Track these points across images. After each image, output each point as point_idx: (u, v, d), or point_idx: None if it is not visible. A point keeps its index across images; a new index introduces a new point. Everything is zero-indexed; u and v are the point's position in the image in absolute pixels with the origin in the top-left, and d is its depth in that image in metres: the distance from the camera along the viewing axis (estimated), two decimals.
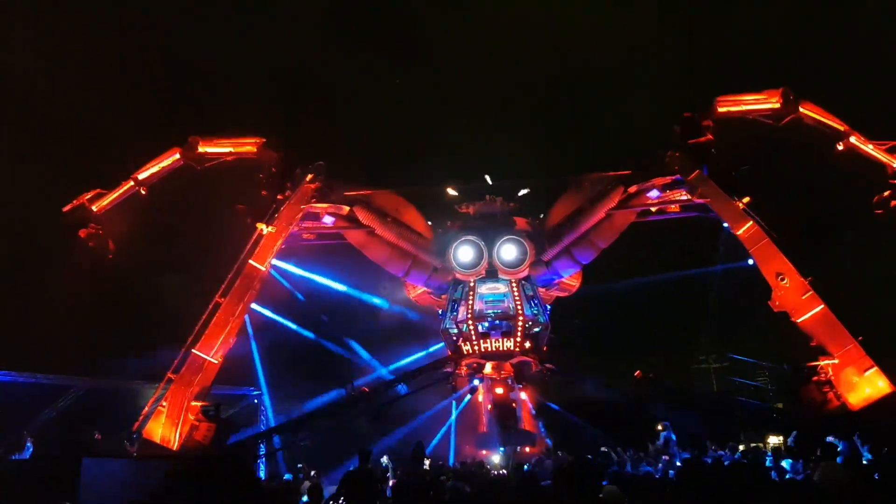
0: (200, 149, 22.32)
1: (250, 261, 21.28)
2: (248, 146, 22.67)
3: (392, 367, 26.64)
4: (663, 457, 19.22)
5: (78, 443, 18.55)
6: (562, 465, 17.27)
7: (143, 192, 22.27)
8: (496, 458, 22.64)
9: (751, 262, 21.23)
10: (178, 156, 22.41)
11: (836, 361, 19.56)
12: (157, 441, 19.18)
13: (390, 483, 16.36)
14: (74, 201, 21.49)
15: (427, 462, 19.16)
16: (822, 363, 19.75)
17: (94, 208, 21.61)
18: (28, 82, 22.78)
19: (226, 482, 2.59)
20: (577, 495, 5.61)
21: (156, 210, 22.83)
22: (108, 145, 23.61)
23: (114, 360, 22.83)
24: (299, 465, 20.21)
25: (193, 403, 19.79)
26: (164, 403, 19.61)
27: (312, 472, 18.94)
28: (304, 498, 14.06)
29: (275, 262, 22.35)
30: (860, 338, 19.64)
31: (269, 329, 24.60)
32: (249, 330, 23.10)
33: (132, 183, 22.15)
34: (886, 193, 20.84)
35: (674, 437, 20.36)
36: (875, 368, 19.18)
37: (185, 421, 19.56)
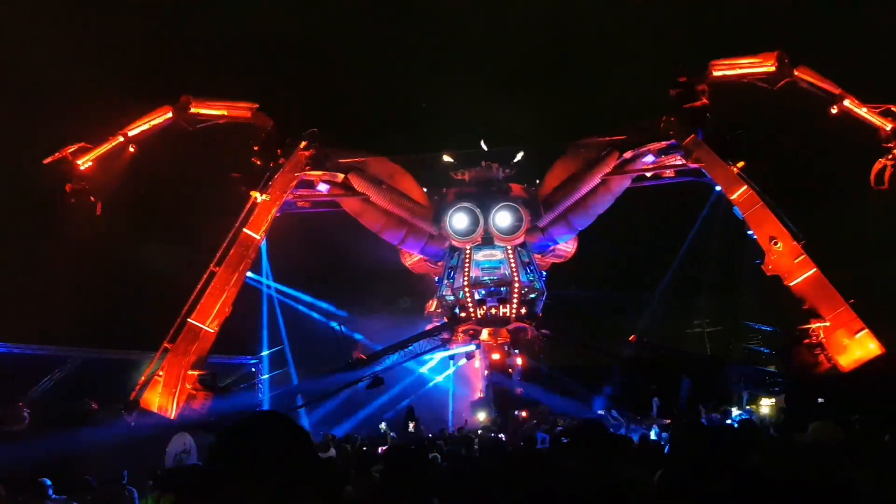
0: (193, 109, 21.65)
1: (245, 229, 21.10)
2: (241, 110, 22.15)
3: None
4: (661, 421, 19.54)
5: (75, 413, 18.49)
6: (571, 425, 17.52)
7: (132, 150, 21.40)
8: (482, 415, 22.95)
9: (750, 233, 21.36)
10: (169, 114, 21.67)
11: (827, 324, 19.79)
12: (155, 410, 19.19)
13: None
14: (56, 154, 20.46)
15: (411, 425, 19.42)
16: (813, 326, 19.99)
17: (78, 163, 20.62)
18: (9, 36, 21.91)
19: (280, 442, 2.44)
20: (587, 458, 5.57)
21: (148, 173, 22.36)
22: (94, 105, 22.85)
23: (109, 330, 22.67)
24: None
25: (190, 373, 19.78)
26: (161, 373, 19.58)
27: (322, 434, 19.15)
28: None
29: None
30: (851, 300, 19.88)
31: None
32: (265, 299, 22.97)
33: (121, 138, 21.25)
34: (879, 166, 20.88)
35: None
36: (865, 331, 19.45)
37: (182, 390, 19.57)
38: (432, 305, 26.67)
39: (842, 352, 19.64)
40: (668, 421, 19.49)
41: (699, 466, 5.49)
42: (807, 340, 20.16)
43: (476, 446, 15.87)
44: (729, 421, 18.92)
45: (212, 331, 20.33)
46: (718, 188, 21.68)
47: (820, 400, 18.15)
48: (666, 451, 10.67)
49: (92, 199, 20.63)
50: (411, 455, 8.35)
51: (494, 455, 11.36)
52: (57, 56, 21.75)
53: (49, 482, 10.93)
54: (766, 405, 22.74)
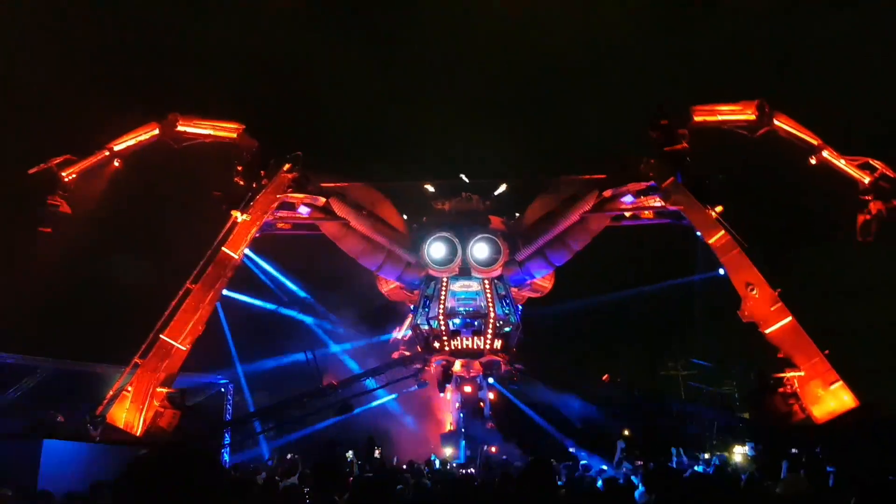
0: (179, 127, 21.95)
1: (223, 248, 21.17)
2: (227, 130, 22.41)
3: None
4: (625, 465, 19.25)
5: (40, 424, 18.34)
6: (522, 465, 17.37)
7: (116, 164, 21.63)
8: (449, 450, 22.73)
9: (722, 271, 21.39)
10: (156, 131, 21.96)
11: (801, 374, 19.68)
12: (121, 426, 19.02)
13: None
14: (41, 165, 20.65)
15: (377, 452, 19.28)
16: (788, 375, 19.87)
17: (62, 174, 20.78)
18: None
19: (190, 472, 2.66)
20: (535, 495, 5.62)
21: (129, 187, 22.49)
22: (80, 118, 23.13)
23: (80, 343, 22.60)
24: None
25: (159, 390, 19.68)
26: (130, 388, 19.46)
27: (289, 456, 18.98)
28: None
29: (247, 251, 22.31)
30: (826, 351, 19.78)
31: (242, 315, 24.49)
32: (222, 316, 22.92)
33: (106, 153, 21.46)
34: (863, 219, 20.94)
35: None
36: (840, 382, 19.32)
37: (149, 407, 19.44)
38: (400, 333, 26.62)
39: (816, 402, 19.49)
40: (640, 462, 19.24)
41: None
42: (781, 389, 20.00)
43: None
44: (701, 467, 18.68)
45: (184, 348, 20.29)
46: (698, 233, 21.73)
47: (794, 451, 17.93)
48: (636, 494, 10.55)
49: (69, 211, 20.75)
50: (378, 486, 8.31)
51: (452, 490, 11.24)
52: (45, 67, 22.12)
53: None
54: (738, 453, 22.45)
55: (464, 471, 19.50)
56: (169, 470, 2.72)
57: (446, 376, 22.91)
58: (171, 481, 2.66)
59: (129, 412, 19.31)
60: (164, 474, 2.70)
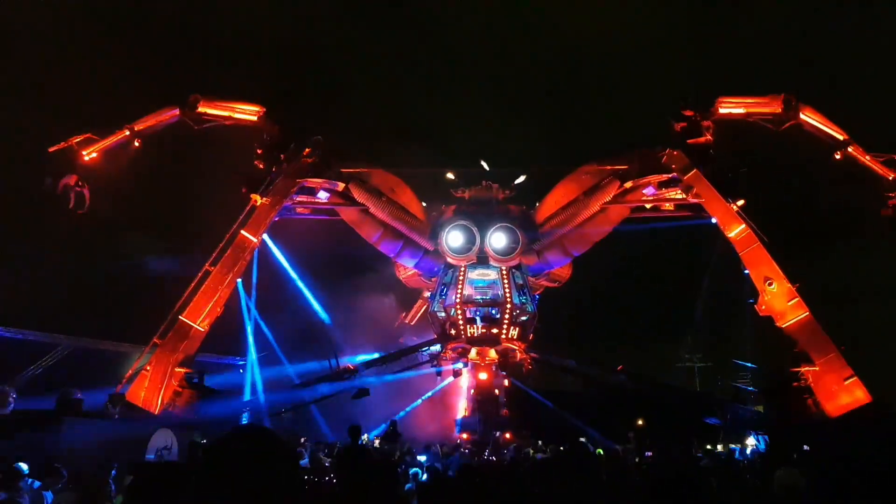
0: (200, 108, 21.79)
1: (242, 231, 21.23)
2: (248, 113, 22.27)
3: None
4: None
5: (60, 401, 18.54)
6: (557, 451, 17.47)
7: (136, 144, 21.50)
8: (465, 434, 22.94)
9: (746, 271, 21.31)
10: (176, 112, 21.83)
11: (816, 369, 19.74)
12: (140, 405, 19.22)
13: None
14: (62, 143, 20.55)
15: (373, 441, 19.40)
16: (802, 369, 19.92)
17: (83, 153, 20.70)
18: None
19: (263, 458, 2.64)
20: (573, 483, 5.63)
21: (149, 167, 22.47)
22: (103, 101, 23.04)
23: (99, 322, 22.79)
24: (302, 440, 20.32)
25: (177, 370, 19.86)
26: (149, 368, 19.65)
27: (303, 440, 19.17)
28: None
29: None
30: (842, 347, 19.83)
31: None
32: (243, 297, 23.00)
33: (127, 132, 21.34)
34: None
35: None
36: (854, 378, 19.41)
37: (168, 386, 19.62)
38: (408, 317, 26.79)
39: (829, 397, 19.57)
40: (650, 454, 19.36)
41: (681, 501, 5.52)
42: (795, 384, 20.07)
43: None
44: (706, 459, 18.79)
45: (202, 329, 20.42)
46: (714, 220, 21.65)
47: (805, 447, 17.97)
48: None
49: (86, 192, 20.70)
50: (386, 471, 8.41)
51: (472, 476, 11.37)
52: (68, 48, 21.99)
53: (26, 468, 10.95)
54: (751, 445, 22.60)
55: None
56: (247, 454, 2.72)
57: (461, 363, 23.06)
58: (249, 466, 2.65)
59: (147, 391, 19.49)
60: (242, 458, 2.69)
